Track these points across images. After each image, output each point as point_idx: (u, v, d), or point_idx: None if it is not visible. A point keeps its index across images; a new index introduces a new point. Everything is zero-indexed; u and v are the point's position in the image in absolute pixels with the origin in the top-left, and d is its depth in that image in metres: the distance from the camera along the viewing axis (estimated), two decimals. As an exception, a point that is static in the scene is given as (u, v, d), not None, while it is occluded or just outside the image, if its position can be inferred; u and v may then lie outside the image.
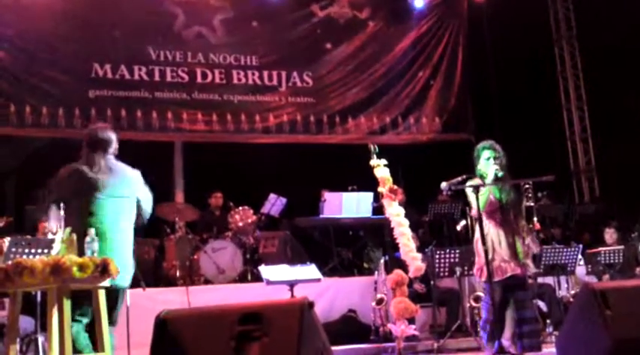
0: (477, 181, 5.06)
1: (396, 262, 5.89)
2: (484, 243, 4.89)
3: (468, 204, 5.36)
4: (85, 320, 3.86)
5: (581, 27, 11.28)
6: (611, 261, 7.21)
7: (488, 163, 5.02)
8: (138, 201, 4.20)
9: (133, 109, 9.07)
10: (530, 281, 6.86)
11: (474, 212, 5.06)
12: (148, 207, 4.28)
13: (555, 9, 11.53)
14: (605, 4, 9.91)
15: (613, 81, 10.23)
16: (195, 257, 7.48)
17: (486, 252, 4.84)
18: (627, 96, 10.03)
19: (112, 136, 4.21)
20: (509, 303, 5.00)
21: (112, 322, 3.94)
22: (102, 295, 3.56)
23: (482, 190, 4.93)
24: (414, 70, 10.65)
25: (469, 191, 5.02)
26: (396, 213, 5.61)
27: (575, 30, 11.41)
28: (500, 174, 4.94)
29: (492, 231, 5.00)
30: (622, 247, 7.40)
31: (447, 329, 6.55)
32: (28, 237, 5.32)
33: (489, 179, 4.97)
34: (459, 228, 8.29)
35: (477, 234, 5.07)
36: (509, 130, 10.27)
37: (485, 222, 4.97)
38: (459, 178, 5.17)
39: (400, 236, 5.55)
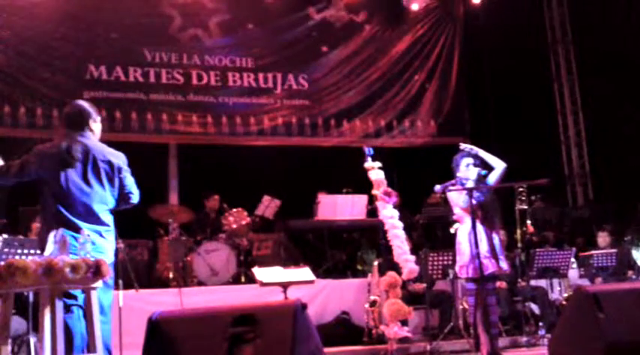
0: (469, 184, 5.30)
1: (390, 264, 5.90)
2: (477, 244, 5.07)
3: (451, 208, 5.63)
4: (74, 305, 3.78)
5: (576, 32, 11.32)
6: (604, 265, 7.24)
7: (468, 169, 5.39)
8: (122, 182, 4.05)
9: (128, 111, 9.06)
10: (523, 284, 6.93)
11: (455, 216, 5.36)
12: (133, 189, 4.12)
13: (551, 13, 11.56)
14: (600, 9, 9.96)
15: (607, 86, 10.28)
16: (189, 258, 7.47)
17: (477, 254, 5.03)
18: (621, 101, 10.08)
19: (86, 109, 4.07)
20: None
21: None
22: (94, 297, 3.54)
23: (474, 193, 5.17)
24: (410, 73, 10.67)
25: (454, 194, 5.31)
26: (390, 215, 5.63)
27: (570, 35, 11.45)
28: (484, 172, 5.38)
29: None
30: (615, 250, 7.43)
31: (439, 331, 6.57)
32: (21, 237, 5.31)
33: (472, 182, 5.31)
34: (452, 230, 8.31)
35: (460, 235, 5.42)
36: (505, 134, 10.32)
37: (468, 220, 5.27)
38: (453, 181, 5.39)
39: (394, 238, 5.57)
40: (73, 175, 3.90)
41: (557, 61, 11.55)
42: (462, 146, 5.53)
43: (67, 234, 3.62)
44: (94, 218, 3.91)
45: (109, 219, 4.01)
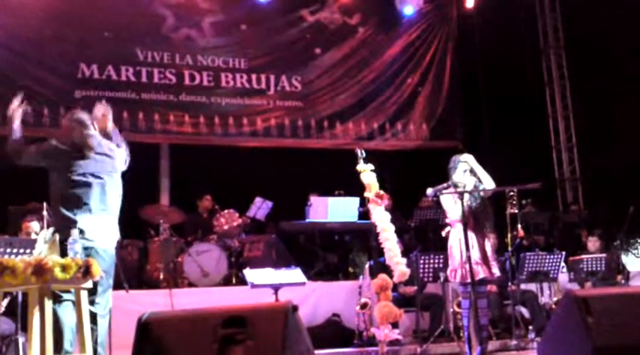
0: (460, 187, 5.35)
1: (381, 267, 5.91)
2: (468, 249, 5.12)
3: (444, 211, 5.71)
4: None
5: (568, 37, 11.38)
6: (594, 269, 7.27)
7: (465, 175, 5.47)
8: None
9: (120, 110, 8.97)
10: (513, 287, 6.95)
11: (448, 219, 5.39)
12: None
13: (544, 19, 11.62)
14: (592, 14, 10.01)
15: (599, 91, 10.33)
16: (180, 259, 7.44)
17: (469, 258, 5.09)
18: (613, 106, 10.13)
19: (84, 115, 4.26)
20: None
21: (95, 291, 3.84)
22: (84, 296, 3.53)
23: (467, 196, 5.26)
24: (403, 76, 10.69)
25: (447, 198, 5.35)
26: (381, 218, 5.63)
27: (562, 40, 11.51)
28: (482, 186, 5.44)
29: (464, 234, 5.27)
30: (604, 255, 7.47)
31: (430, 334, 6.58)
32: (6, 236, 5.28)
33: (468, 188, 5.39)
34: (444, 233, 8.33)
35: (452, 239, 5.50)
36: (496, 138, 10.36)
37: (459, 226, 5.33)
38: (445, 184, 5.41)
39: (385, 241, 5.57)
40: (86, 166, 3.99)
41: (549, 66, 11.61)
42: (463, 157, 5.52)
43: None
44: (101, 207, 4.01)
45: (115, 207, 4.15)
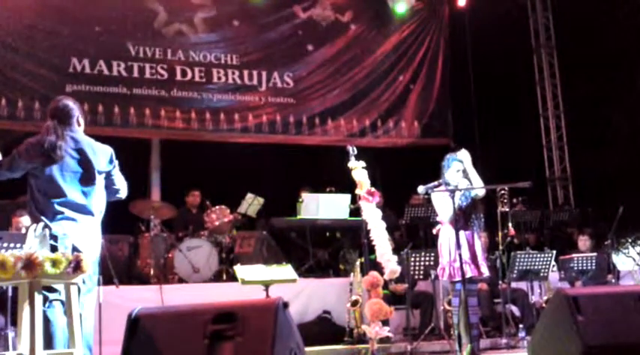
0: (452, 186, 5.35)
1: (372, 264, 5.91)
2: (459, 247, 5.13)
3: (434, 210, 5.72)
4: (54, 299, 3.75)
5: (559, 36, 11.43)
6: (584, 268, 7.30)
7: (458, 175, 5.44)
8: (110, 176, 4.08)
9: (111, 105, 8.98)
10: (504, 286, 6.98)
11: (439, 218, 5.52)
12: (121, 185, 4.16)
13: (535, 17, 11.65)
14: (583, 14, 10.05)
15: (590, 90, 10.38)
16: (170, 255, 7.43)
17: (460, 256, 5.10)
18: (603, 105, 10.18)
19: (71, 105, 4.08)
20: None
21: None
22: (74, 292, 3.51)
23: (458, 194, 5.28)
24: (395, 73, 10.70)
25: (438, 196, 5.35)
26: (372, 215, 5.63)
27: (553, 39, 11.56)
28: (473, 194, 5.44)
29: (454, 233, 5.29)
30: (595, 254, 7.50)
31: (420, 332, 6.60)
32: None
33: (460, 187, 5.39)
34: (435, 231, 8.33)
35: (441, 238, 5.52)
36: (487, 136, 10.39)
37: (449, 226, 5.36)
38: (436, 182, 5.42)
39: (376, 238, 5.57)
40: (61, 169, 3.88)
41: (540, 65, 11.64)
42: (460, 156, 5.49)
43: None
44: (80, 211, 3.89)
45: (97, 211, 4.01)
